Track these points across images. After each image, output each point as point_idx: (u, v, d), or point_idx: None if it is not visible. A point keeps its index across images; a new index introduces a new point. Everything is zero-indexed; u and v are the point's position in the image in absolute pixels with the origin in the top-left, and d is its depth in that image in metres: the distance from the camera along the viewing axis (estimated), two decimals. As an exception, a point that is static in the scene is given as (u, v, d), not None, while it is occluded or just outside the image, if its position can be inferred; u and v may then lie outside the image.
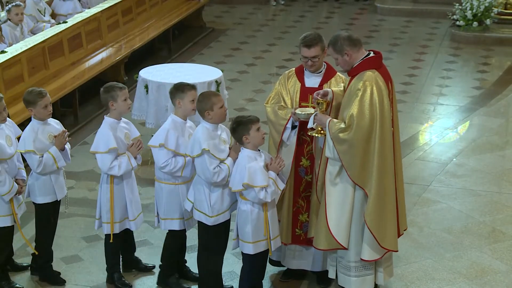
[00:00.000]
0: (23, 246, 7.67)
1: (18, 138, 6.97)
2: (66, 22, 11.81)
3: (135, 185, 7.14)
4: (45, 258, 7.23)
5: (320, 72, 6.95)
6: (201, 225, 6.76)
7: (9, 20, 11.51)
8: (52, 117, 7.08)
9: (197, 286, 7.03)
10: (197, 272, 6.99)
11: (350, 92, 6.50)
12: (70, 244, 7.90)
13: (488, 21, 14.92)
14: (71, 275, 7.36)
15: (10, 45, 10.93)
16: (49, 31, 11.38)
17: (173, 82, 7.66)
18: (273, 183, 6.50)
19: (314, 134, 6.68)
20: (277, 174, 6.59)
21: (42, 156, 6.87)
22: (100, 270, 7.39)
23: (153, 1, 14.38)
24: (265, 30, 16.04)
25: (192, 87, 6.84)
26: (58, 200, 7.13)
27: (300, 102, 6.90)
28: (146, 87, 9.80)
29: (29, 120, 7.09)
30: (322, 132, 6.60)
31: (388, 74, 6.64)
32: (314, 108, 6.70)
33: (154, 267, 7.42)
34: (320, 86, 6.89)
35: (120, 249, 7.27)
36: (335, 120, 6.54)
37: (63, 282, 7.24)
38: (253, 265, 6.73)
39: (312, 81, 6.94)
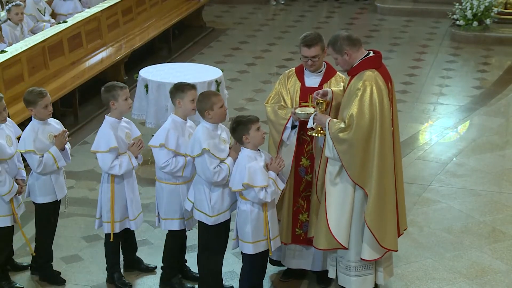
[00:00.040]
0: (23, 246, 7.66)
1: (18, 138, 6.96)
2: (66, 21, 11.81)
3: (136, 184, 7.14)
4: (45, 258, 7.23)
5: (320, 71, 6.95)
6: (201, 224, 6.76)
7: (9, 19, 11.51)
8: (52, 117, 7.08)
9: (197, 286, 7.03)
10: (197, 272, 6.99)
11: (350, 91, 6.50)
12: (70, 244, 7.90)
13: (488, 21, 14.92)
14: (71, 275, 7.36)
15: (10, 44, 10.92)
16: (49, 31, 11.38)
17: (173, 81, 7.67)
18: (273, 183, 6.50)
19: (313, 134, 6.68)
20: (277, 174, 6.59)
21: (42, 156, 6.87)
22: (100, 270, 7.39)
23: (153, 1, 14.38)
24: (265, 29, 16.04)
25: (192, 87, 6.84)
26: (58, 200, 7.13)
27: (300, 102, 6.90)
28: (146, 86, 9.80)
29: (29, 120, 7.09)
30: (321, 132, 6.60)
31: (388, 73, 6.64)
32: (314, 108, 6.70)
33: (155, 267, 7.42)
34: (320, 85, 6.89)
35: (122, 249, 7.27)
36: (334, 120, 6.54)
37: (63, 282, 7.24)
38: (253, 265, 6.73)
39: (312, 80, 6.94)
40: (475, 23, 14.90)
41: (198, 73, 10.08)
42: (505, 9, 15.34)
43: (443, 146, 10.36)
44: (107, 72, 11.84)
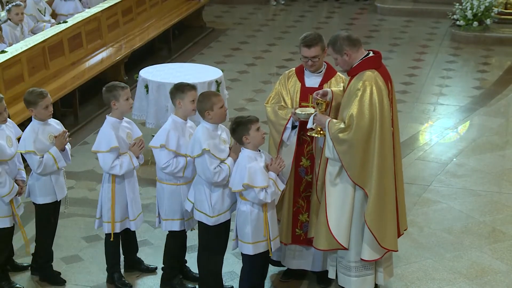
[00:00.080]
0: (23, 246, 7.65)
1: (19, 139, 6.96)
2: (66, 22, 11.81)
3: (137, 185, 7.14)
4: (45, 258, 7.23)
5: (320, 72, 6.95)
6: (201, 225, 6.76)
7: (9, 20, 11.51)
8: (52, 117, 7.08)
9: (197, 286, 7.03)
10: (197, 272, 6.99)
11: (350, 92, 6.50)
12: (70, 244, 7.90)
13: (488, 21, 14.92)
14: (71, 275, 7.36)
15: (10, 45, 10.93)
16: (49, 31, 11.39)
17: (173, 82, 7.67)
18: (273, 183, 6.49)
19: (313, 135, 6.68)
20: (277, 175, 6.58)
21: (43, 157, 6.86)
22: (100, 270, 7.39)
23: (153, 1, 14.38)
24: (265, 30, 16.04)
25: (192, 87, 6.84)
26: (58, 200, 7.14)
27: (300, 102, 6.90)
28: (146, 87, 9.80)
29: (29, 120, 7.09)
30: (321, 132, 6.60)
31: (387, 74, 6.64)
32: (314, 108, 6.70)
33: (156, 268, 7.42)
34: (320, 86, 6.89)
35: (122, 249, 7.27)
36: (334, 120, 6.53)
37: (63, 282, 7.24)
38: (253, 265, 6.73)
39: (312, 81, 6.94)
40: (475, 23, 14.90)
41: (198, 73, 10.08)
42: (505, 9, 15.34)
43: (443, 147, 10.36)
44: (107, 72, 11.84)
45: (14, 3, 11.56)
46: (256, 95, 12.14)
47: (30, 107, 6.92)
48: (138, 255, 7.48)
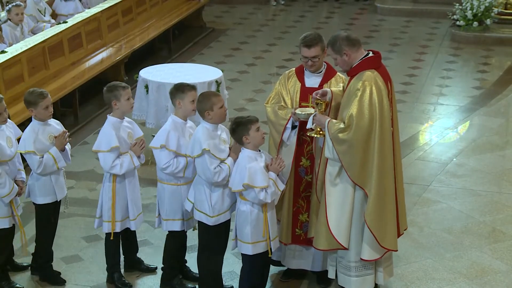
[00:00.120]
0: (26, 245, 7.66)
1: (18, 140, 6.96)
2: (66, 22, 11.81)
3: (138, 184, 7.14)
4: (45, 258, 7.23)
5: (320, 72, 6.95)
6: (201, 225, 6.76)
7: (9, 20, 11.52)
8: (52, 117, 7.08)
9: (197, 286, 7.03)
10: (197, 272, 6.99)
11: (349, 92, 6.50)
12: (70, 244, 7.90)
13: (488, 21, 14.92)
14: (71, 275, 7.36)
15: (10, 45, 10.93)
16: (49, 31, 11.39)
17: (173, 82, 7.67)
18: (273, 183, 6.49)
19: (313, 135, 6.68)
20: (277, 175, 6.58)
21: (43, 157, 6.87)
22: (100, 270, 7.39)
23: (153, 1, 14.38)
24: (265, 30, 16.04)
25: (192, 87, 6.84)
26: (58, 200, 7.14)
27: (300, 102, 6.90)
28: (146, 87, 9.80)
29: (29, 120, 7.09)
30: (321, 132, 6.60)
31: (387, 74, 6.64)
32: (314, 108, 6.70)
33: (156, 268, 7.42)
34: (320, 86, 6.89)
35: (123, 249, 7.28)
36: (334, 120, 6.53)
37: (63, 282, 7.25)
38: (253, 265, 6.73)
39: (312, 81, 6.94)
40: (475, 24, 14.90)
41: (198, 73, 10.09)
42: (505, 9, 15.33)
43: (443, 147, 10.36)
44: (107, 72, 11.84)
45: (14, 3, 11.56)
46: (256, 95, 12.14)
47: (30, 107, 6.91)
48: (138, 255, 7.48)
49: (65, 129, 7.09)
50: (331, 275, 6.93)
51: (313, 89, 6.83)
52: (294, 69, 7.07)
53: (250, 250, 6.59)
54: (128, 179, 6.99)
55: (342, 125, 6.43)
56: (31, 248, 7.47)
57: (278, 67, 13.40)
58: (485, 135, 10.70)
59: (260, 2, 18.01)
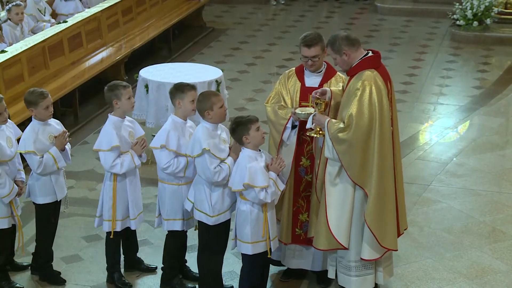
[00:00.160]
0: (24, 246, 7.66)
1: (18, 140, 6.95)
2: (66, 21, 11.81)
3: (139, 184, 7.14)
4: (45, 258, 7.23)
5: (320, 71, 6.95)
6: (201, 225, 6.76)
7: (9, 19, 11.51)
8: (52, 117, 7.08)
9: (197, 286, 7.03)
10: (197, 272, 6.99)
11: (349, 91, 6.50)
12: (70, 244, 7.90)
13: (488, 21, 14.92)
14: (71, 275, 7.36)
15: (10, 44, 10.93)
16: (49, 31, 11.39)
17: (173, 81, 7.67)
18: (273, 183, 6.49)
19: (312, 135, 6.68)
20: (277, 175, 6.58)
21: (43, 157, 6.86)
22: (100, 270, 7.39)
23: (153, 1, 14.38)
24: (265, 29, 16.04)
25: (192, 87, 6.84)
26: (58, 200, 7.13)
27: (300, 102, 6.90)
28: (146, 86, 9.81)
29: (29, 120, 7.09)
30: (320, 132, 6.60)
31: (387, 73, 6.64)
32: (314, 108, 6.70)
33: (156, 267, 7.42)
34: (320, 85, 6.89)
35: (123, 248, 7.27)
36: (333, 120, 6.53)
37: (63, 282, 7.25)
38: (253, 265, 6.72)
39: (312, 80, 6.94)
40: (475, 23, 14.89)
41: (198, 73, 10.09)
42: (505, 9, 15.33)
43: (443, 146, 10.36)
44: (107, 72, 11.84)
45: (14, 3, 11.57)
46: (256, 95, 12.14)
47: (30, 107, 6.91)
48: (138, 255, 7.48)
49: (65, 129, 7.09)
50: (331, 275, 6.93)
51: (313, 89, 6.83)
52: (294, 68, 7.07)
53: (250, 250, 6.59)
54: (129, 178, 6.99)
55: (341, 125, 6.42)
56: (31, 248, 7.47)
57: (278, 67, 13.40)
58: (485, 134, 10.70)
59: (260, 1, 18.01)
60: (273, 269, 7.30)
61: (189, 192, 6.79)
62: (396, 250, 6.79)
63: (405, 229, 6.96)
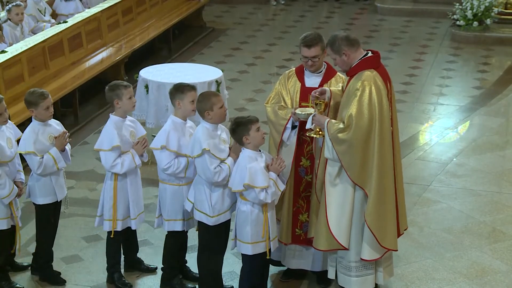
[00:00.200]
0: (24, 246, 7.67)
1: (18, 141, 6.95)
2: (66, 22, 11.81)
3: (140, 184, 7.13)
4: (45, 258, 7.23)
5: (320, 72, 6.95)
6: (201, 225, 6.76)
7: (9, 20, 11.52)
8: (52, 117, 7.08)
9: (197, 286, 7.03)
10: (197, 272, 6.99)
11: (349, 92, 6.50)
12: (70, 244, 7.90)
13: (488, 21, 14.92)
14: (71, 275, 7.36)
15: (10, 45, 10.93)
16: (49, 31, 11.39)
17: (173, 82, 7.67)
18: (273, 184, 6.49)
19: (312, 135, 6.68)
20: (278, 175, 6.58)
21: (43, 157, 6.86)
22: (100, 270, 7.39)
23: (153, 1, 14.39)
24: (265, 30, 16.04)
25: (191, 87, 6.83)
26: (59, 200, 7.13)
27: (300, 102, 6.90)
28: (146, 87, 9.81)
29: (29, 120, 7.09)
30: (320, 133, 6.60)
31: (386, 73, 6.64)
32: (313, 108, 6.70)
33: (156, 268, 7.42)
34: (320, 86, 6.88)
35: (123, 248, 7.27)
36: (333, 120, 6.53)
37: (63, 282, 7.24)
38: (253, 265, 6.72)
39: (312, 81, 6.94)
40: (475, 23, 14.89)
41: (198, 73, 10.09)
42: (505, 9, 15.33)
43: (443, 146, 10.36)
44: (107, 72, 11.84)
45: (14, 3, 11.57)
46: (256, 95, 12.14)
47: (30, 107, 6.91)
48: (138, 255, 7.48)
49: (65, 130, 7.09)
50: (331, 275, 6.92)
51: (313, 89, 6.82)
52: (294, 69, 7.07)
53: (250, 250, 6.59)
54: (130, 178, 6.99)
55: (341, 125, 6.42)
56: (31, 248, 7.48)
57: (278, 67, 13.40)
58: (485, 135, 10.70)
59: (260, 2, 18.01)
60: (273, 269, 7.30)
61: (189, 192, 6.79)
62: (396, 250, 6.79)
63: (405, 229, 6.96)
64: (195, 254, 6.98)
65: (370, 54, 6.58)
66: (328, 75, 6.94)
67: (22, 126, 8.26)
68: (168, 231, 7.03)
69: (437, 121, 11.19)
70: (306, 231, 7.02)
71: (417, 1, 17.17)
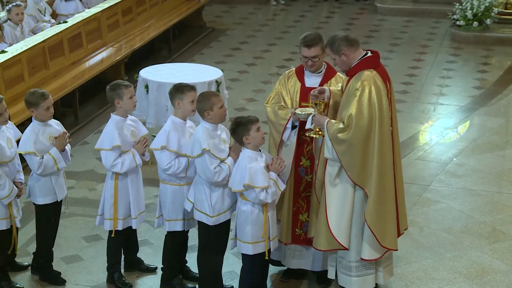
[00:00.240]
0: (23, 246, 7.68)
1: (18, 141, 6.95)
2: (66, 22, 11.81)
3: (141, 183, 7.12)
4: (45, 258, 7.23)
5: (320, 72, 6.95)
6: (201, 225, 6.76)
7: (9, 20, 11.52)
8: (52, 118, 7.08)
9: (197, 286, 7.03)
10: (197, 272, 6.99)
11: (349, 92, 6.50)
12: (70, 244, 7.91)
13: (488, 21, 14.92)
14: (71, 275, 7.36)
15: (11, 45, 10.93)
16: (49, 31, 11.39)
17: (173, 82, 7.67)
18: (273, 184, 6.49)
19: (312, 135, 6.68)
20: (278, 175, 6.58)
21: (43, 158, 6.86)
22: (100, 270, 7.39)
23: (153, 1, 14.39)
24: (265, 30, 16.04)
25: (191, 88, 6.83)
26: (59, 200, 7.13)
27: (300, 102, 6.91)
28: (147, 87, 9.81)
29: (29, 120, 7.09)
30: (320, 133, 6.60)
31: (386, 73, 6.64)
32: (313, 108, 6.70)
33: (156, 268, 7.42)
34: (320, 86, 6.88)
35: (123, 248, 7.27)
36: (333, 120, 6.53)
37: (63, 282, 7.25)
38: (253, 265, 6.72)
39: (312, 81, 6.94)
40: (475, 23, 14.89)
41: (198, 73, 10.09)
42: (505, 9, 15.33)
43: (443, 146, 10.36)
44: (107, 72, 11.84)
45: (14, 3, 11.57)
46: (256, 95, 12.14)
47: (31, 108, 6.91)
48: (138, 255, 7.48)
49: (65, 130, 7.09)
50: (331, 275, 6.92)
51: (313, 89, 6.83)
52: (294, 69, 7.07)
53: (250, 250, 6.59)
54: (130, 177, 6.99)
55: (341, 125, 6.42)
56: (31, 248, 7.48)
57: (278, 67, 13.40)
58: (485, 135, 10.70)
59: (260, 2, 18.01)
60: (273, 269, 7.30)
61: (189, 192, 6.79)
62: (396, 250, 6.80)
63: (405, 229, 6.96)
64: (195, 254, 6.98)
65: (369, 54, 6.58)
66: (328, 75, 6.94)
67: (22, 126, 8.26)
68: (167, 231, 7.03)
69: (437, 121, 11.20)
70: (306, 231, 7.02)
71: (417, 1, 17.17)
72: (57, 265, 7.37)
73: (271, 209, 6.62)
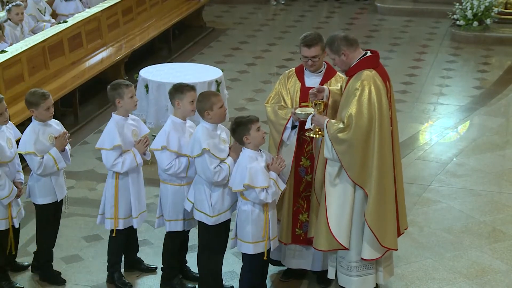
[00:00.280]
0: (23, 246, 7.68)
1: (18, 141, 6.95)
2: (66, 21, 11.81)
3: (142, 182, 7.12)
4: (45, 258, 7.23)
5: (320, 72, 6.95)
6: (201, 225, 6.76)
7: (9, 19, 11.51)
8: (52, 118, 7.08)
9: (197, 286, 7.03)
10: (197, 272, 6.99)
11: (348, 92, 6.50)
12: (71, 244, 7.91)
13: (488, 21, 14.92)
14: (71, 275, 7.36)
15: (11, 44, 10.93)
16: (49, 31, 11.39)
17: (173, 81, 7.67)
18: (274, 183, 6.49)
19: (311, 135, 6.68)
20: (278, 175, 6.58)
21: (43, 158, 6.86)
22: (100, 270, 7.39)
23: (153, 1, 14.38)
24: (265, 29, 16.04)
25: (191, 88, 6.83)
26: (59, 200, 7.13)
27: (300, 102, 6.91)
28: (146, 86, 9.81)
29: (29, 120, 7.09)
30: (319, 133, 6.60)
31: (385, 73, 6.64)
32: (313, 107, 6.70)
33: (156, 268, 7.42)
34: (320, 85, 6.88)
35: (123, 248, 7.27)
36: (333, 120, 6.53)
37: (63, 281, 7.24)
38: (253, 265, 6.72)
39: (312, 80, 6.94)
40: (475, 23, 14.89)
41: (198, 73, 10.09)
42: (505, 9, 15.33)
43: (443, 146, 10.36)
44: (107, 72, 11.84)
45: (14, 3, 11.57)
46: (256, 95, 12.14)
47: (31, 108, 6.91)
48: (138, 255, 7.48)
49: (65, 130, 7.09)
50: (331, 275, 6.92)
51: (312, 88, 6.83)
52: (294, 68, 7.07)
53: (251, 250, 6.59)
54: (131, 176, 6.98)
55: (341, 125, 6.42)
56: (32, 248, 7.48)
57: (278, 67, 13.40)
58: (485, 134, 10.70)
59: (260, 1, 18.01)
60: (273, 269, 7.30)
61: (189, 192, 6.79)
62: (397, 250, 6.80)
63: (405, 229, 6.96)
64: (195, 254, 6.98)
65: (369, 53, 6.58)
66: (328, 75, 6.94)
67: (22, 126, 8.26)
68: (167, 231, 7.03)
69: (437, 121, 11.20)
70: (306, 231, 7.02)
71: (417, 1, 17.17)
72: (57, 265, 7.37)
73: (272, 209, 6.62)
